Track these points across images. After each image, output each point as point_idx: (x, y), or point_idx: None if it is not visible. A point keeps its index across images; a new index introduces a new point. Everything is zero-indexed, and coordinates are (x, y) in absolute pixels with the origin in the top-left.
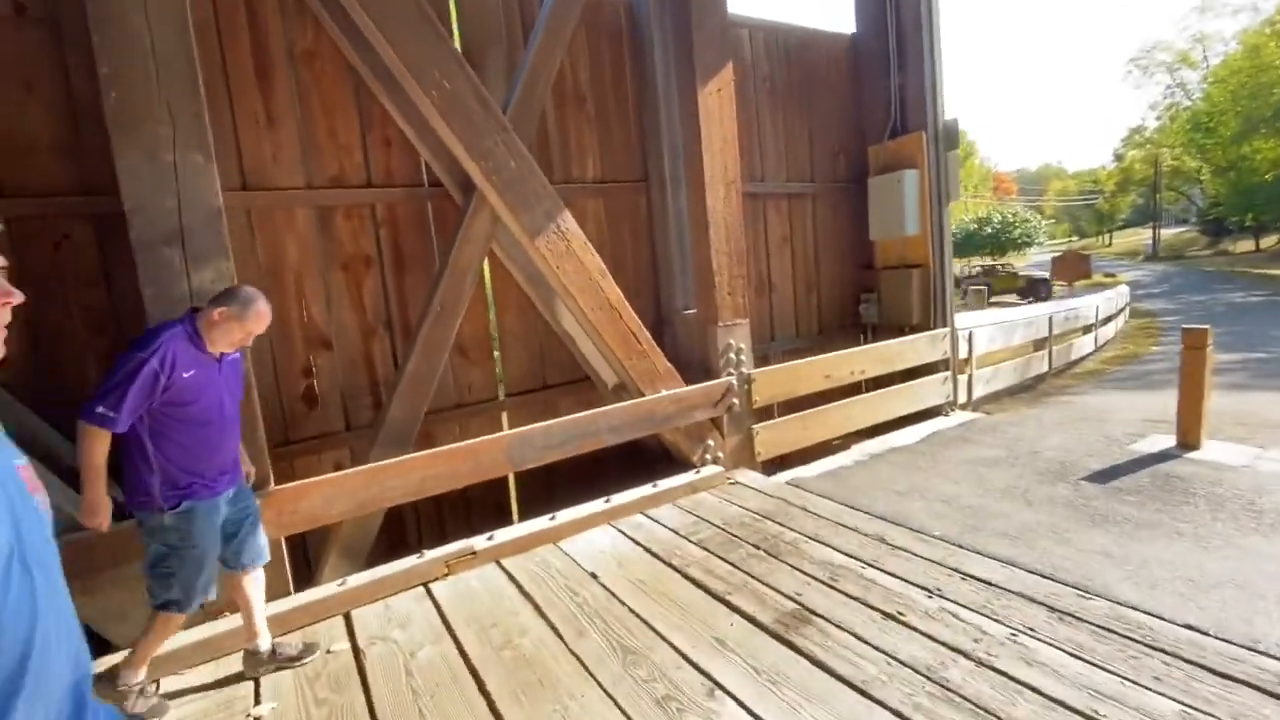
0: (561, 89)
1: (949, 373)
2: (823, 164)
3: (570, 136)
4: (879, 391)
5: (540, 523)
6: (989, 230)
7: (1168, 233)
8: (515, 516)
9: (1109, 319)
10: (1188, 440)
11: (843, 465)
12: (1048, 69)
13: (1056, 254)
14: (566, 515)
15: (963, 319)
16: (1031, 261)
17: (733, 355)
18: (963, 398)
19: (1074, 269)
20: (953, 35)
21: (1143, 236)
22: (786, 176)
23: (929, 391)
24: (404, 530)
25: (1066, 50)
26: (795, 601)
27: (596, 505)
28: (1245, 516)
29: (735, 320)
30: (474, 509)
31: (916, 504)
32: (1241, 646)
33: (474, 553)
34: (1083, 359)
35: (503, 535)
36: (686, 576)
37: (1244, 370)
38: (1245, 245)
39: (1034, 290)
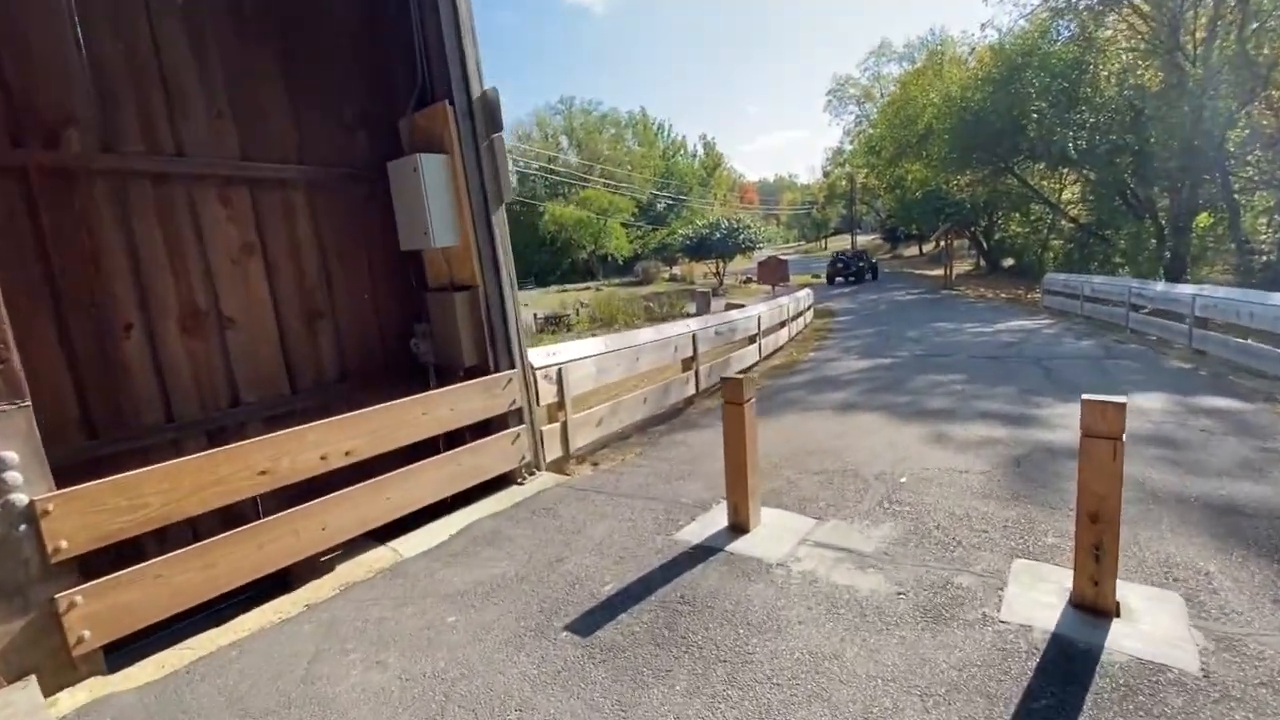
0: None
1: (523, 427)
2: (329, 140)
3: None
4: (387, 476)
5: None
6: (718, 235)
7: (864, 239)
8: None
9: (782, 324)
10: (738, 520)
11: (248, 634)
12: (790, 86)
13: (761, 259)
14: None
15: (573, 347)
16: (752, 265)
17: None
18: (556, 452)
19: (775, 273)
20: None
21: (848, 242)
22: (244, 153)
23: (489, 458)
24: None
25: (802, 71)
26: None
27: None
28: (722, 700)
29: None
30: None
31: None
32: None
33: None
34: (747, 370)
35: None
36: None
37: (864, 383)
38: (912, 250)
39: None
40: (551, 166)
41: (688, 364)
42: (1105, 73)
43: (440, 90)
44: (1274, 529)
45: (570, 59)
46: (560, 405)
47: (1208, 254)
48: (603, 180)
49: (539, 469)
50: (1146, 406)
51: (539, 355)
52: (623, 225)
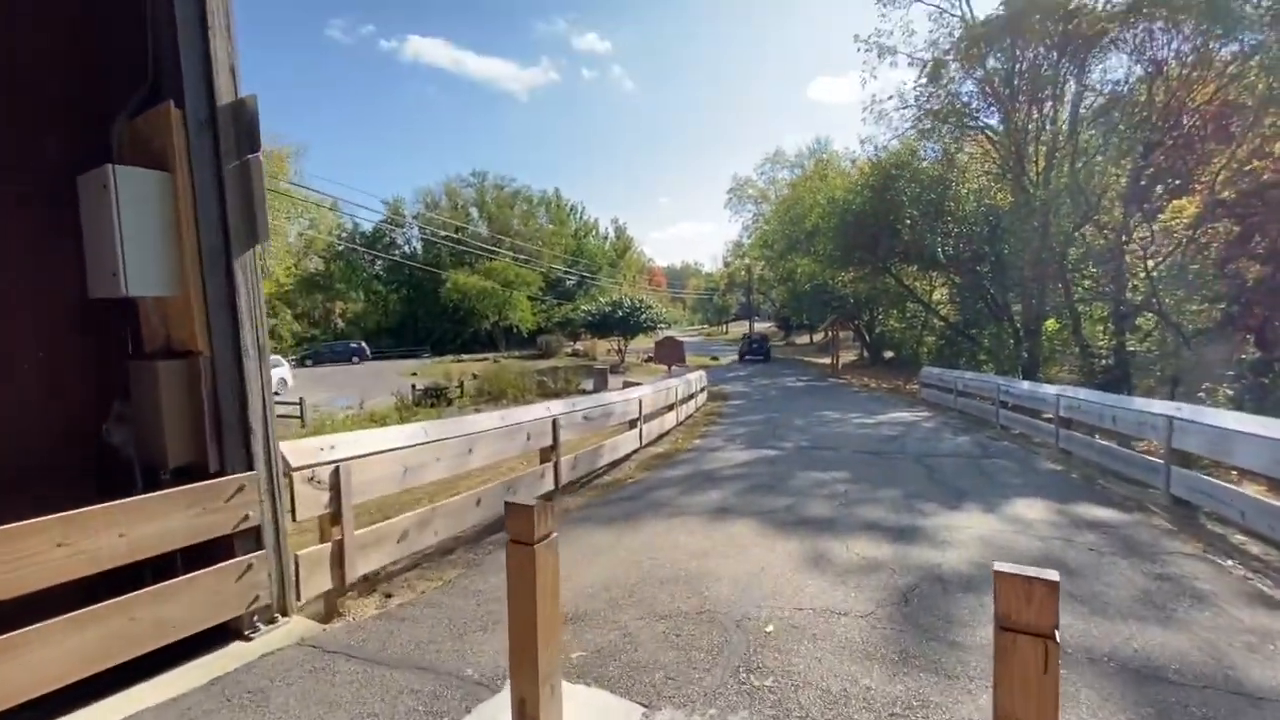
0: None
1: (259, 554)
2: None
3: None
4: None
5: None
6: (619, 314)
7: (761, 325)
8: None
9: (670, 407)
10: (523, 711)
11: None
12: (698, 183)
13: (658, 339)
14: None
15: (367, 436)
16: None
17: None
18: (325, 583)
19: (671, 353)
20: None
21: (747, 327)
22: None
23: (191, 605)
24: None
25: (710, 171)
26: None
27: None
28: None
29: None
30: None
31: None
32: None
33: None
34: (625, 459)
35: None
36: None
37: (744, 480)
38: (804, 339)
39: None
40: (459, 237)
41: (547, 454)
42: (965, 190)
43: (170, 87)
44: (1207, 707)
45: (491, 140)
46: (336, 518)
47: (1056, 355)
48: (512, 254)
49: (286, 613)
50: (1030, 516)
51: (306, 450)
52: (530, 299)
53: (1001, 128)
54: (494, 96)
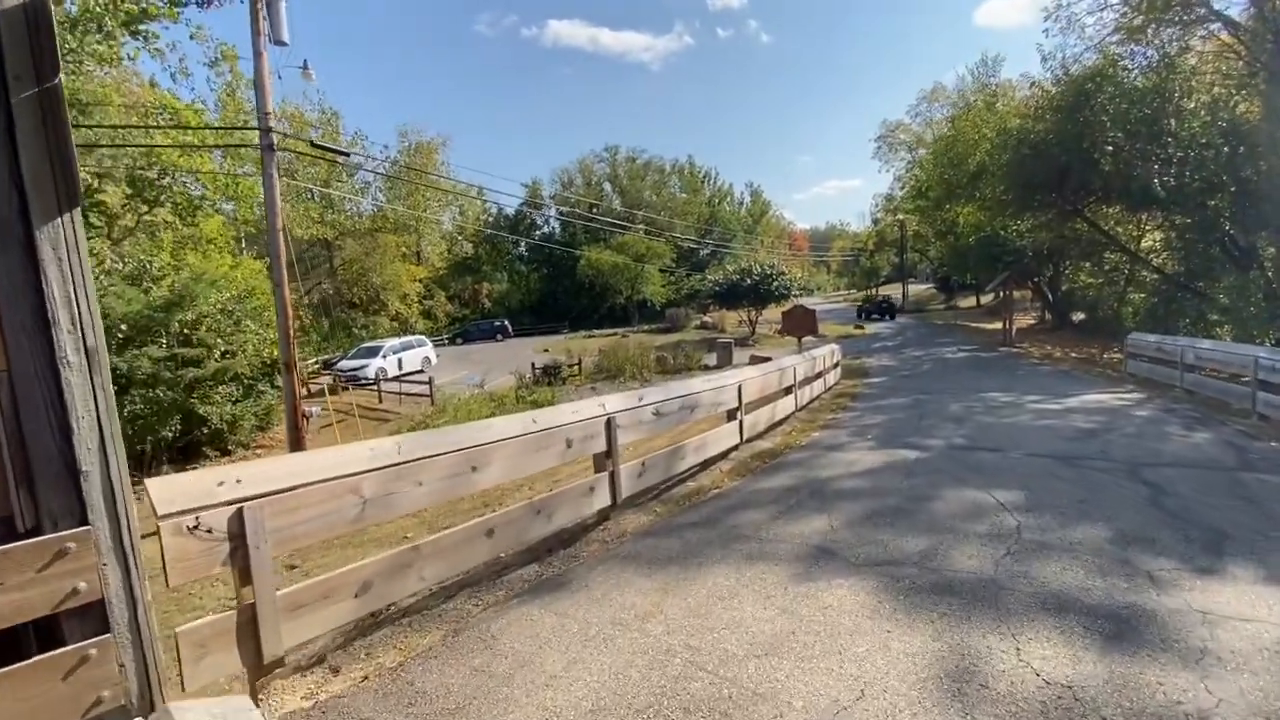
0: None
1: (103, 639)
2: None
3: None
4: None
5: None
6: (749, 282)
7: (918, 288)
8: None
9: (787, 390)
10: None
11: None
12: (844, 137)
13: (786, 308)
14: None
15: (289, 463)
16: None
17: None
18: (230, 665)
19: (800, 324)
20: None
21: (899, 290)
22: None
23: None
24: None
25: (858, 122)
26: None
27: None
28: None
29: None
30: None
31: None
32: None
33: None
34: (720, 457)
35: None
36: None
37: (864, 500)
38: (969, 301)
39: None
40: (591, 215)
41: (601, 461)
42: (1191, 104)
43: None
44: None
45: (624, 114)
46: (246, 576)
47: None
48: (645, 227)
49: (152, 707)
50: None
51: (191, 489)
52: (662, 271)
53: (1250, 15)
54: (627, 69)
